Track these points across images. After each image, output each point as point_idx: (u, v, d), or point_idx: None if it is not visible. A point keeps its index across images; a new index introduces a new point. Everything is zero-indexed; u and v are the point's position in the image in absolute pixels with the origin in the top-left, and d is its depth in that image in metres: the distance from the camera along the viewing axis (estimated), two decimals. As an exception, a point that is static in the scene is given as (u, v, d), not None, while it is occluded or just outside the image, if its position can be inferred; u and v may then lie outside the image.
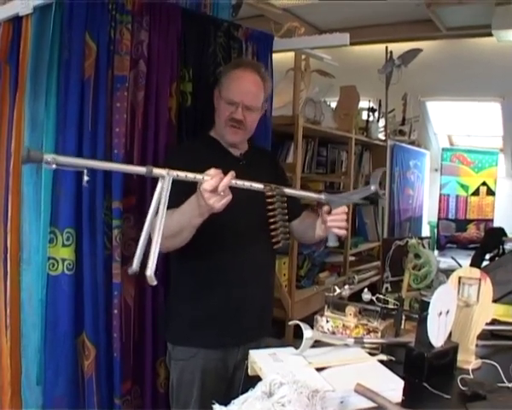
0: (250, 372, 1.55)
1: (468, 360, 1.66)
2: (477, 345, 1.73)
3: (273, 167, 2.21)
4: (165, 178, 1.47)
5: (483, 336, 1.80)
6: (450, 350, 1.62)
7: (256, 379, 1.36)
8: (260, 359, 1.52)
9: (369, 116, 4.94)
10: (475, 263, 3.70)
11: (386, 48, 5.23)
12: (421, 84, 5.84)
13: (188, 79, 2.33)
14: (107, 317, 2.11)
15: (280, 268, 3.32)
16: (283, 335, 3.26)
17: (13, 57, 2.07)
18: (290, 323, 1.67)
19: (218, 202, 1.56)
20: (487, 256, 4.08)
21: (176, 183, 1.64)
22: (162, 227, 1.45)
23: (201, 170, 1.67)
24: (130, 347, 2.21)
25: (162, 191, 1.46)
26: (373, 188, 1.83)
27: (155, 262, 1.40)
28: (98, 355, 2.11)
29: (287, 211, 1.77)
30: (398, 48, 5.24)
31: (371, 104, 5.08)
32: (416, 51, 5.17)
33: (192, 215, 1.67)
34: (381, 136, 5.23)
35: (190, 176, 1.54)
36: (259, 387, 1.18)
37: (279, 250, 2.32)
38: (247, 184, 1.62)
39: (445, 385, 1.50)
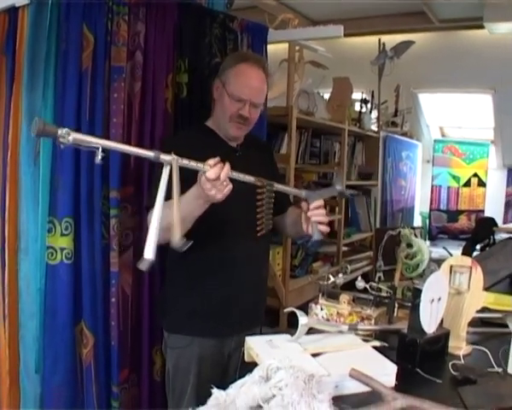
0: (246, 358, 1.56)
1: (460, 346, 1.69)
2: (468, 332, 1.76)
3: (268, 158, 2.22)
4: (172, 163, 1.50)
5: (474, 323, 1.83)
6: (442, 336, 1.64)
7: (251, 366, 1.39)
8: (257, 345, 1.54)
9: (361, 107, 4.97)
10: (466, 253, 3.76)
11: (379, 40, 5.26)
12: (413, 76, 5.88)
13: (183, 69, 2.34)
14: (105, 305, 2.13)
15: (274, 258, 3.35)
16: (277, 324, 3.29)
17: (9, 48, 2.08)
18: (285, 310, 1.69)
19: (221, 193, 1.58)
20: (478, 246, 4.14)
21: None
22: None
23: (199, 159, 1.70)
24: (127, 335, 2.23)
25: (167, 176, 1.50)
26: (338, 187, 1.95)
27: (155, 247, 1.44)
28: (96, 344, 2.13)
29: (273, 204, 1.80)
30: (391, 40, 5.27)
31: (364, 96, 5.11)
32: (409, 43, 5.20)
33: (192, 207, 1.69)
34: (374, 127, 5.27)
35: (193, 164, 1.57)
36: (257, 372, 1.21)
37: (273, 240, 2.35)
38: (241, 176, 1.65)
39: (437, 370, 1.54)
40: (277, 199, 1.88)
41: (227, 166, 1.57)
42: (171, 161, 1.50)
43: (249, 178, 1.69)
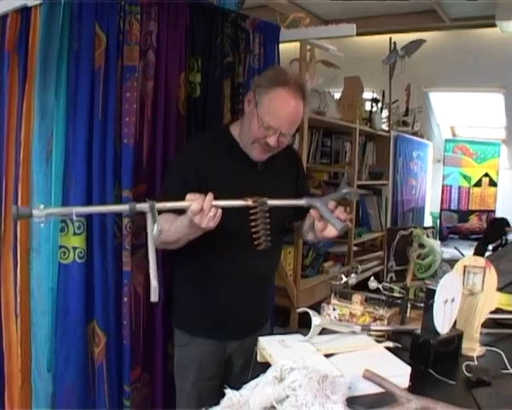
0: (259, 359, 1.57)
1: (473, 347, 1.68)
2: (481, 333, 1.75)
3: (294, 168, 2.10)
4: (148, 212, 1.50)
5: (487, 324, 1.82)
6: (456, 337, 1.64)
7: (263, 366, 1.40)
8: (269, 345, 1.54)
9: (372, 107, 4.95)
10: (479, 253, 3.73)
11: (390, 39, 5.22)
12: (424, 75, 5.84)
13: (196, 69, 2.34)
14: (118, 305, 2.14)
15: (285, 258, 3.34)
16: (288, 323, 3.29)
17: (22, 48, 2.08)
18: (298, 310, 1.69)
19: (211, 221, 1.57)
20: (490, 247, 4.10)
21: (176, 185, 1.68)
22: (154, 254, 1.48)
23: (214, 173, 1.79)
24: (139, 334, 2.24)
25: (151, 221, 1.49)
26: (344, 190, 1.85)
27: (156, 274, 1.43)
28: (108, 343, 2.14)
29: (268, 217, 1.68)
30: (402, 38, 5.22)
31: (375, 95, 5.09)
32: (420, 42, 5.16)
33: (187, 233, 1.70)
34: (385, 126, 5.24)
35: (173, 204, 1.59)
36: (270, 372, 1.20)
37: (285, 240, 2.32)
38: (227, 202, 1.62)
39: (451, 372, 1.53)
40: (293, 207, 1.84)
41: (209, 195, 1.56)
42: (148, 208, 1.50)
43: (238, 203, 1.65)
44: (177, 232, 1.70)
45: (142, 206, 1.50)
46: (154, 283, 1.39)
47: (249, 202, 1.64)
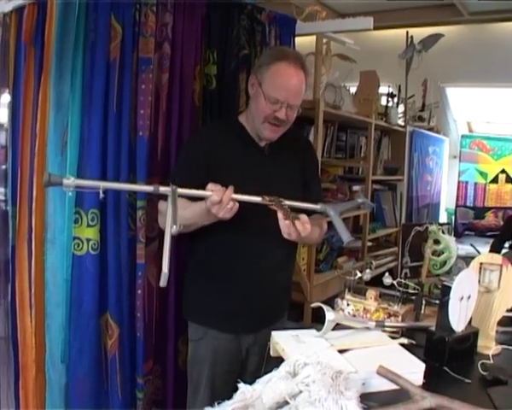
0: (272, 353, 1.56)
1: (489, 345, 1.67)
2: (497, 331, 1.73)
3: (305, 158, 2.10)
4: (169, 195, 1.58)
5: (503, 322, 1.80)
6: (471, 335, 1.62)
7: (275, 361, 1.39)
8: (283, 340, 1.54)
9: (388, 101, 4.90)
10: (494, 250, 3.70)
11: (407, 33, 5.17)
12: (441, 70, 5.77)
13: (212, 61, 2.33)
14: (131, 297, 2.14)
15: (299, 252, 3.32)
16: (302, 318, 3.28)
17: (38, 39, 2.10)
18: (313, 305, 1.69)
19: (228, 213, 1.65)
20: (506, 244, 4.07)
21: (185, 167, 1.77)
22: (170, 238, 1.51)
23: (223, 156, 1.84)
24: (152, 327, 2.24)
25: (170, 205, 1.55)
26: (359, 200, 2.02)
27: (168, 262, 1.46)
28: (121, 335, 2.14)
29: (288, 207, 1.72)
30: (419, 33, 5.17)
31: (391, 89, 5.04)
32: (437, 36, 5.10)
33: (202, 219, 1.77)
34: (401, 121, 5.19)
35: (194, 192, 1.66)
36: (283, 367, 1.20)
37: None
38: (245, 197, 1.69)
39: (466, 370, 1.51)
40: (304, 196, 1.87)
41: (230, 189, 1.63)
42: (170, 192, 1.58)
43: (254, 199, 1.71)
44: (193, 218, 1.78)
45: (166, 189, 1.60)
46: (164, 269, 1.44)
47: (266, 201, 1.70)
